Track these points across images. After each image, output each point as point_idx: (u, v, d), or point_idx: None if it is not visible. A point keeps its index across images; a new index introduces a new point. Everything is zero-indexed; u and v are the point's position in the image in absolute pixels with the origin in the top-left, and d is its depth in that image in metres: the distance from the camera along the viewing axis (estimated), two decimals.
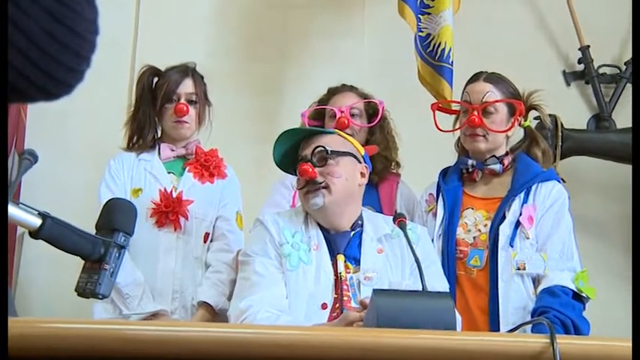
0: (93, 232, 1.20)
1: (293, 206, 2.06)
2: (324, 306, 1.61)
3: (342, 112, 2.16)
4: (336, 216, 1.71)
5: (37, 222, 1.03)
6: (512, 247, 1.85)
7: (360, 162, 1.78)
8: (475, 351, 1.10)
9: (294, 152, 1.78)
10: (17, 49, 0.56)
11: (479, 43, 2.92)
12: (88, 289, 1.12)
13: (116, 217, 1.18)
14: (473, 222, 1.95)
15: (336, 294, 1.63)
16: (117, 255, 1.14)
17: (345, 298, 1.62)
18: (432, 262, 1.74)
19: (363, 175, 1.77)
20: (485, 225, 1.92)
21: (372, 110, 2.22)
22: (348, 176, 1.72)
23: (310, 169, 1.68)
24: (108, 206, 1.22)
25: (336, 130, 1.85)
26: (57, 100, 0.62)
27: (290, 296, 1.62)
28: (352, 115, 2.18)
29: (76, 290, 1.14)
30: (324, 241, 1.71)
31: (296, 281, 1.64)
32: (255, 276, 1.64)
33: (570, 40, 3.02)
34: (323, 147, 1.70)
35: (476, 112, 1.94)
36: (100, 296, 1.13)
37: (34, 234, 1.04)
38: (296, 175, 1.78)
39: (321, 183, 1.69)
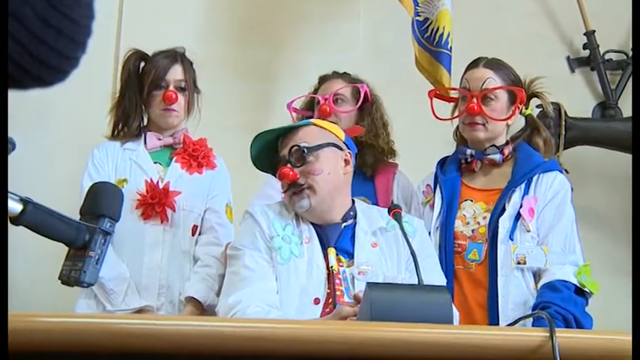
0: (77, 218, 1.20)
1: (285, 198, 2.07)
2: (316, 301, 1.62)
3: (325, 99, 2.18)
4: (325, 212, 1.73)
5: (18, 207, 1.03)
6: (512, 240, 1.87)
7: (341, 149, 1.77)
8: (472, 345, 1.12)
9: (274, 151, 1.78)
10: (11, 35, 0.57)
11: (479, 28, 2.93)
12: (72, 277, 1.12)
13: (101, 202, 1.18)
14: (472, 214, 1.97)
15: (328, 289, 1.65)
16: (102, 241, 1.14)
17: (338, 293, 1.63)
18: (429, 256, 1.75)
19: (347, 162, 1.77)
20: (485, 217, 1.94)
21: (360, 95, 2.23)
22: (330, 169, 1.72)
23: (290, 172, 1.69)
24: (92, 190, 1.22)
25: (310, 121, 1.84)
26: (50, 87, 0.63)
27: (281, 291, 1.64)
28: (338, 101, 2.19)
29: (59, 278, 1.15)
30: (315, 234, 1.73)
31: (287, 275, 1.65)
32: (245, 270, 1.65)
33: (575, 25, 3.03)
34: (298, 146, 1.71)
35: (475, 100, 1.96)
36: (85, 284, 1.14)
37: (15, 220, 1.03)
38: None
39: (303, 184, 1.70)
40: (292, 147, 1.71)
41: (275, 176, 1.78)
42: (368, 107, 2.23)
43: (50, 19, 0.59)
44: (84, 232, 1.13)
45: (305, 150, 1.70)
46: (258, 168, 1.83)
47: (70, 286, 1.16)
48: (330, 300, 1.63)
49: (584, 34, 3.01)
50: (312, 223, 1.74)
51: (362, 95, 2.20)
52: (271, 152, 1.78)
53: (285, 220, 1.74)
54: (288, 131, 1.77)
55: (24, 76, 0.60)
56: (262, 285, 1.63)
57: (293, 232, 1.72)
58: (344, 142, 1.79)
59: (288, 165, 1.70)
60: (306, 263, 1.67)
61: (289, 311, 1.60)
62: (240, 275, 1.66)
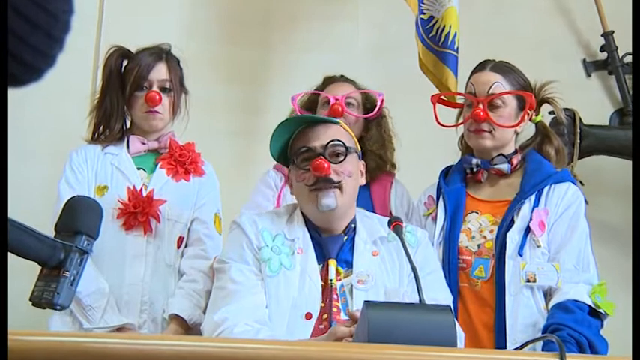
0: (52, 234, 1.20)
1: (277, 208, 2.09)
2: (308, 315, 1.63)
3: (336, 99, 2.21)
4: (340, 219, 1.76)
5: None
6: (521, 256, 1.87)
7: (360, 158, 1.83)
8: None
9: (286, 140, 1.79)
10: None
11: (488, 28, 2.96)
12: (44, 298, 1.11)
13: (79, 218, 1.18)
14: (477, 228, 1.97)
15: (323, 303, 1.66)
16: (78, 261, 1.13)
17: (335, 309, 1.64)
18: (433, 270, 1.77)
19: (362, 173, 1.83)
20: (491, 231, 1.95)
21: (370, 104, 2.29)
22: (356, 175, 1.77)
23: (325, 165, 1.70)
24: (69, 205, 1.22)
25: (340, 121, 1.86)
26: (24, 86, 0.63)
27: (270, 305, 1.64)
28: (348, 105, 2.23)
29: (30, 300, 1.13)
30: (311, 244, 1.74)
31: (277, 288, 1.66)
32: (232, 284, 1.66)
33: (592, 26, 3.06)
34: (340, 141, 1.73)
35: (481, 105, 1.97)
36: (59, 307, 1.13)
37: None
38: (287, 165, 1.81)
39: (336, 183, 1.72)
40: (331, 141, 1.73)
41: (286, 165, 1.81)
42: (377, 117, 2.28)
43: (25, 12, 0.58)
44: (59, 250, 1.12)
45: (347, 147, 1.74)
46: (273, 156, 1.84)
47: (41, 308, 1.16)
48: (325, 315, 1.64)
49: (602, 36, 3.03)
50: (310, 233, 1.76)
51: (379, 104, 2.26)
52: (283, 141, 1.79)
53: (275, 229, 1.76)
54: (316, 123, 1.78)
55: None
56: (250, 300, 1.64)
57: (283, 243, 1.73)
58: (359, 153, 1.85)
59: (322, 158, 1.71)
60: (297, 275, 1.69)
61: (279, 327, 1.61)
62: (226, 289, 1.67)
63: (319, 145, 1.73)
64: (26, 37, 0.59)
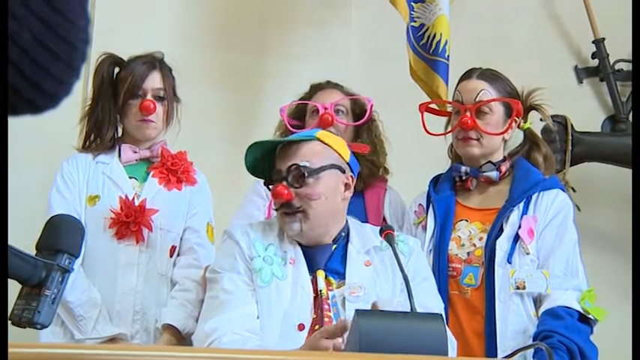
0: (33, 252, 1.19)
1: (268, 217, 2.10)
2: (300, 327, 1.64)
3: (325, 108, 2.20)
4: (317, 236, 1.75)
5: None
6: (510, 263, 1.89)
7: (343, 171, 1.77)
8: None
9: (271, 156, 1.79)
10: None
11: (479, 35, 2.97)
12: (24, 317, 1.11)
13: (60, 237, 1.18)
14: (467, 235, 1.99)
15: (314, 314, 1.66)
16: (60, 279, 1.13)
17: (326, 320, 1.65)
18: (425, 279, 1.78)
19: (347, 186, 1.78)
20: (481, 239, 1.96)
21: (359, 110, 2.27)
22: (328, 194, 1.72)
23: (285, 191, 1.68)
24: (51, 223, 1.21)
25: (316, 135, 1.80)
26: (41, 113, 0.64)
27: (262, 315, 1.65)
28: (337, 113, 2.22)
29: (10, 319, 1.13)
30: (301, 254, 1.74)
31: (268, 298, 1.67)
32: (223, 294, 1.67)
33: (583, 32, 3.07)
34: (298, 165, 1.70)
35: (468, 113, 1.98)
36: (39, 326, 1.12)
37: None
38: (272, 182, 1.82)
39: (298, 208, 1.70)
40: (292, 165, 1.70)
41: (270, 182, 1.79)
42: (367, 123, 2.27)
43: (47, 43, 0.60)
44: (40, 268, 1.12)
45: (306, 173, 1.70)
46: (254, 175, 1.84)
47: (21, 328, 1.15)
48: (317, 326, 1.64)
49: (593, 42, 3.04)
50: (300, 244, 1.76)
51: (369, 110, 2.25)
52: (269, 158, 1.78)
53: (267, 239, 1.76)
54: (289, 142, 1.76)
55: (17, 101, 0.61)
56: (241, 310, 1.64)
57: (275, 253, 1.74)
58: (347, 163, 1.79)
59: (284, 183, 1.70)
60: (290, 286, 1.69)
61: (271, 338, 1.61)
62: (218, 300, 1.68)
63: (284, 169, 1.72)
64: (48, 67, 0.61)
